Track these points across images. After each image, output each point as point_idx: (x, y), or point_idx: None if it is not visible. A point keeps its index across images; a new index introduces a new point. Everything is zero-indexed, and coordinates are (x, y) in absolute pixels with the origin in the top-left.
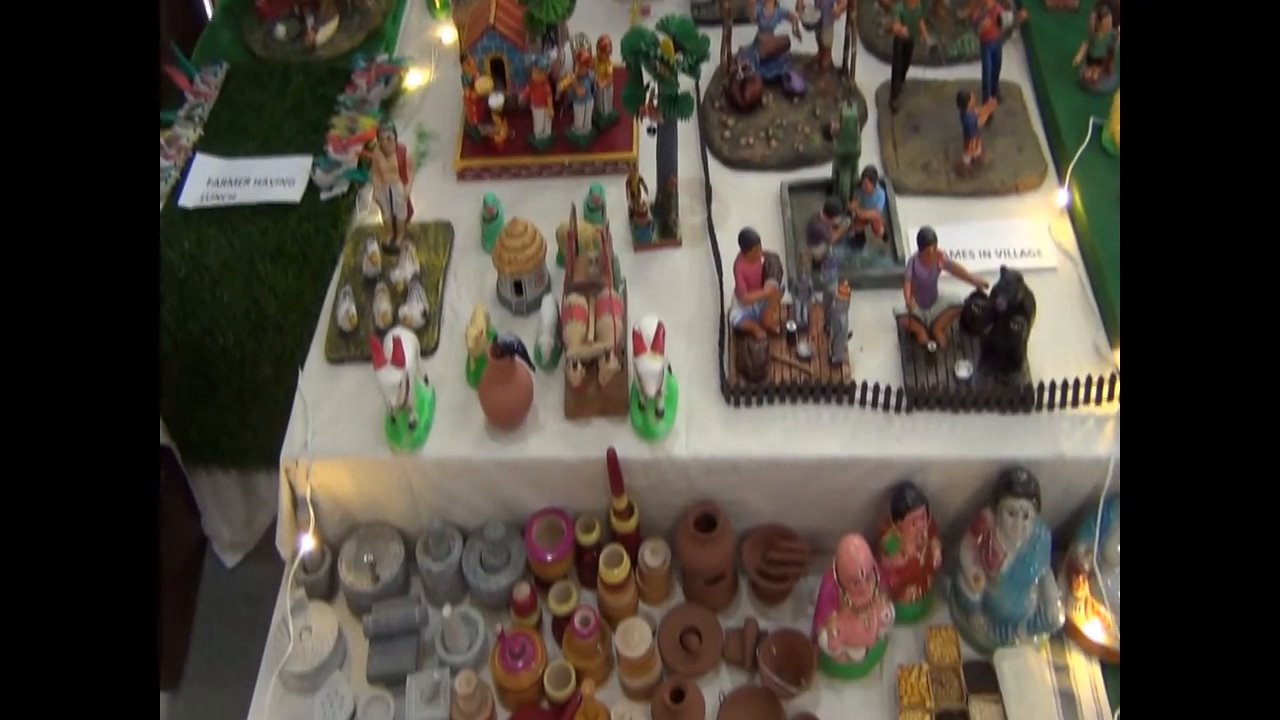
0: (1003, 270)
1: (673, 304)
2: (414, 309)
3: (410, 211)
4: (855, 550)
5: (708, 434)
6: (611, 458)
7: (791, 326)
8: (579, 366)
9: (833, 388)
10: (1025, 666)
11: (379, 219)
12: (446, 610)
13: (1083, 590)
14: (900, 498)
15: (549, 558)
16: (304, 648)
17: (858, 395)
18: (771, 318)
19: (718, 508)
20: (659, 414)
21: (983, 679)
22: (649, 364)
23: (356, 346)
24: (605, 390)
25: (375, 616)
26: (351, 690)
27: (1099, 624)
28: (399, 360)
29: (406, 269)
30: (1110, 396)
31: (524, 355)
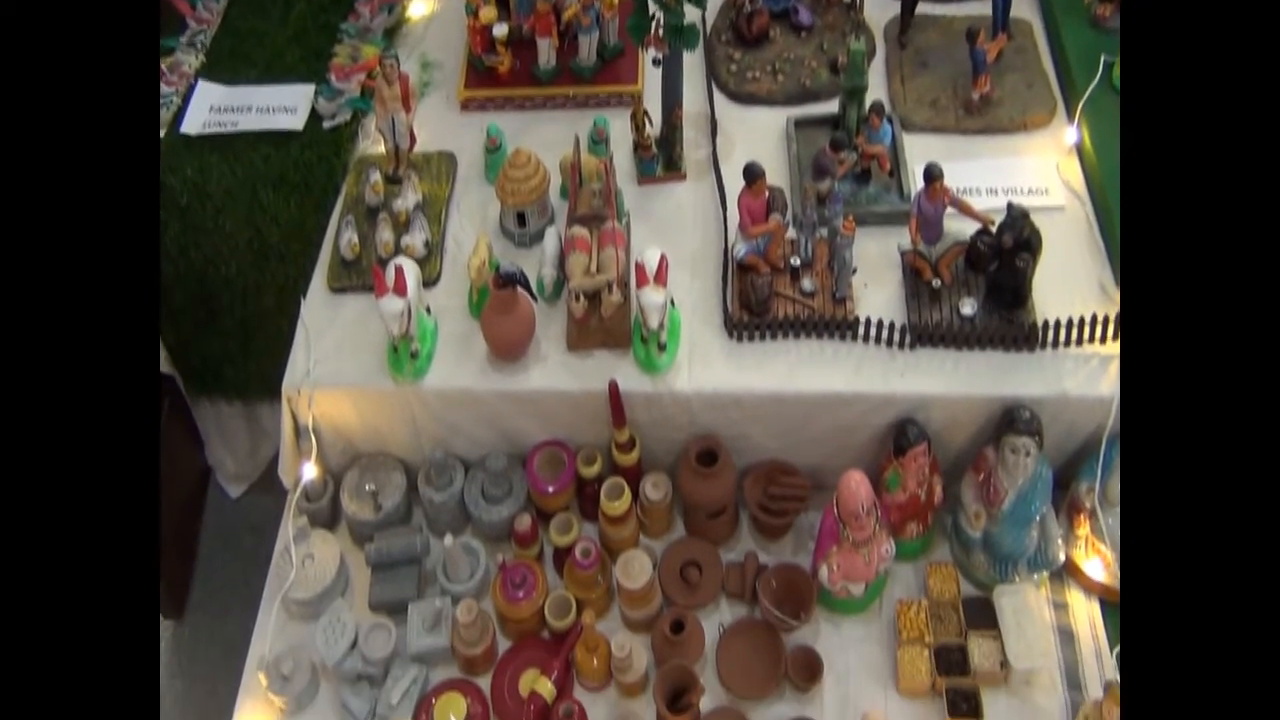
0: (1009, 207)
1: (676, 238)
2: (416, 239)
3: (413, 141)
4: (856, 485)
5: (710, 368)
6: (613, 390)
7: (795, 262)
8: (581, 298)
9: (836, 323)
10: (1024, 603)
11: (381, 148)
12: (448, 540)
13: (1083, 529)
14: (902, 434)
15: (550, 489)
16: (306, 575)
17: (861, 331)
18: (775, 253)
19: (719, 442)
20: (661, 347)
21: (982, 615)
22: (651, 296)
23: (359, 276)
24: (607, 323)
25: (377, 545)
26: (353, 618)
27: (1099, 562)
28: (401, 289)
29: (409, 199)
30: (1115, 336)
31: (526, 286)
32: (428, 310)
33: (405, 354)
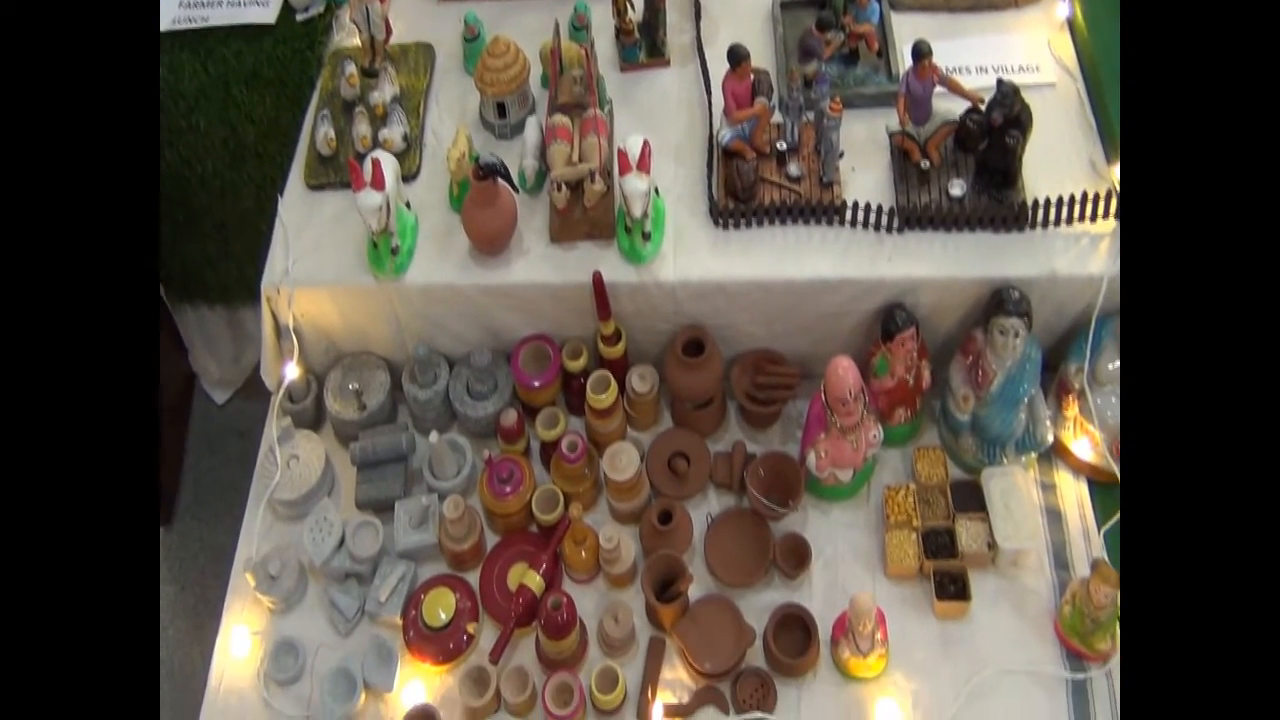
0: (999, 83)
1: (660, 125)
2: (394, 132)
3: (389, 32)
4: (844, 371)
5: (696, 257)
6: (597, 281)
7: (782, 146)
8: (564, 188)
9: (823, 208)
10: (1012, 485)
11: (357, 41)
12: (433, 436)
13: (1072, 409)
14: (890, 319)
15: (536, 384)
16: (292, 476)
17: (848, 215)
18: (761, 137)
19: (706, 332)
20: (646, 237)
21: (970, 498)
22: (634, 183)
23: (336, 172)
24: (591, 213)
25: (362, 444)
26: (340, 517)
27: (1087, 442)
28: (378, 182)
29: (386, 91)
30: (1106, 214)
31: (507, 177)
32: (407, 205)
33: (385, 250)
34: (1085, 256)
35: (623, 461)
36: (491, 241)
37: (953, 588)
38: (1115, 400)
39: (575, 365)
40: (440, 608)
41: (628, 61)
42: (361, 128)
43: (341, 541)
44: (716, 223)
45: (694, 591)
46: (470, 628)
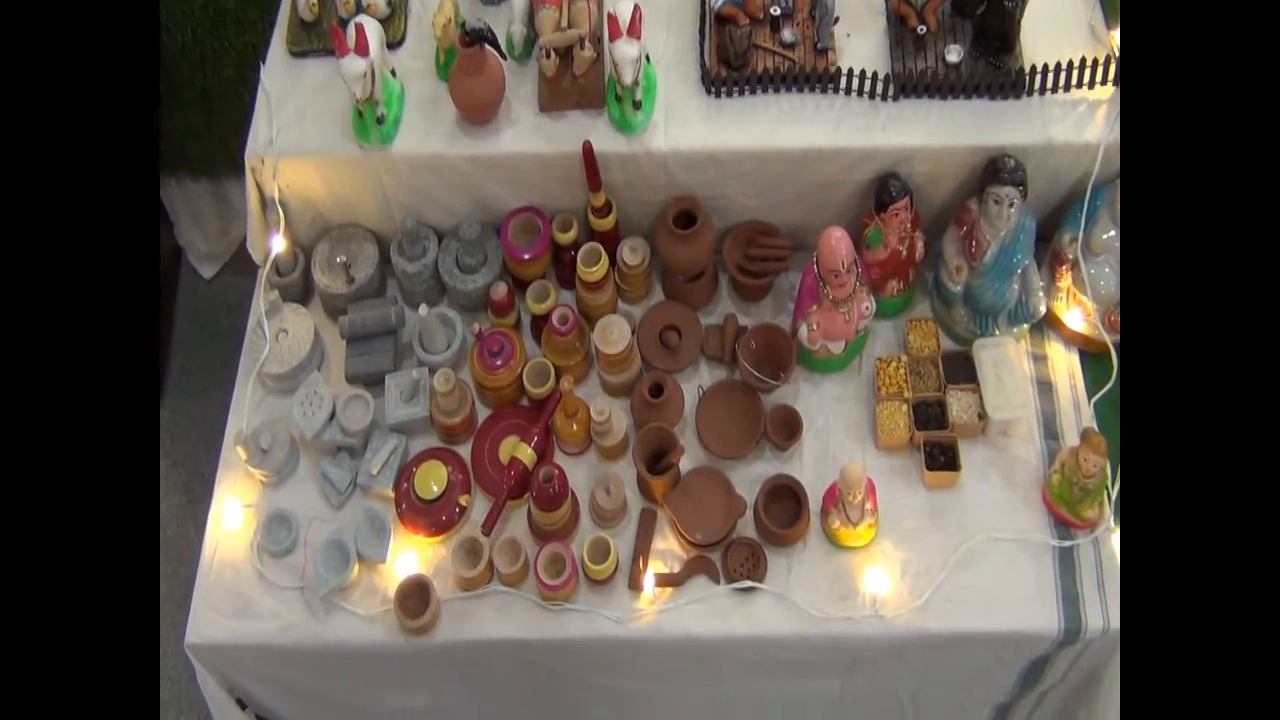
0: None
1: None
2: None
3: None
4: (836, 242)
5: (688, 126)
6: (587, 151)
7: (775, 11)
8: (552, 55)
9: (818, 75)
10: (1003, 355)
11: None
12: (423, 310)
13: (1065, 280)
14: (884, 189)
15: (526, 256)
16: (281, 349)
17: (843, 83)
18: (755, 2)
19: (698, 203)
20: (636, 105)
21: (961, 369)
22: (625, 49)
23: (320, 38)
24: (580, 80)
25: (351, 318)
26: (330, 390)
27: (1079, 313)
28: (362, 48)
29: None
30: (1104, 80)
31: (494, 44)
32: (393, 73)
33: (371, 119)
34: (1082, 124)
35: (614, 334)
36: (479, 110)
37: (942, 458)
38: (1109, 270)
39: (565, 238)
40: (432, 480)
41: None
42: None
43: (332, 415)
44: (709, 91)
45: (685, 463)
46: (462, 500)
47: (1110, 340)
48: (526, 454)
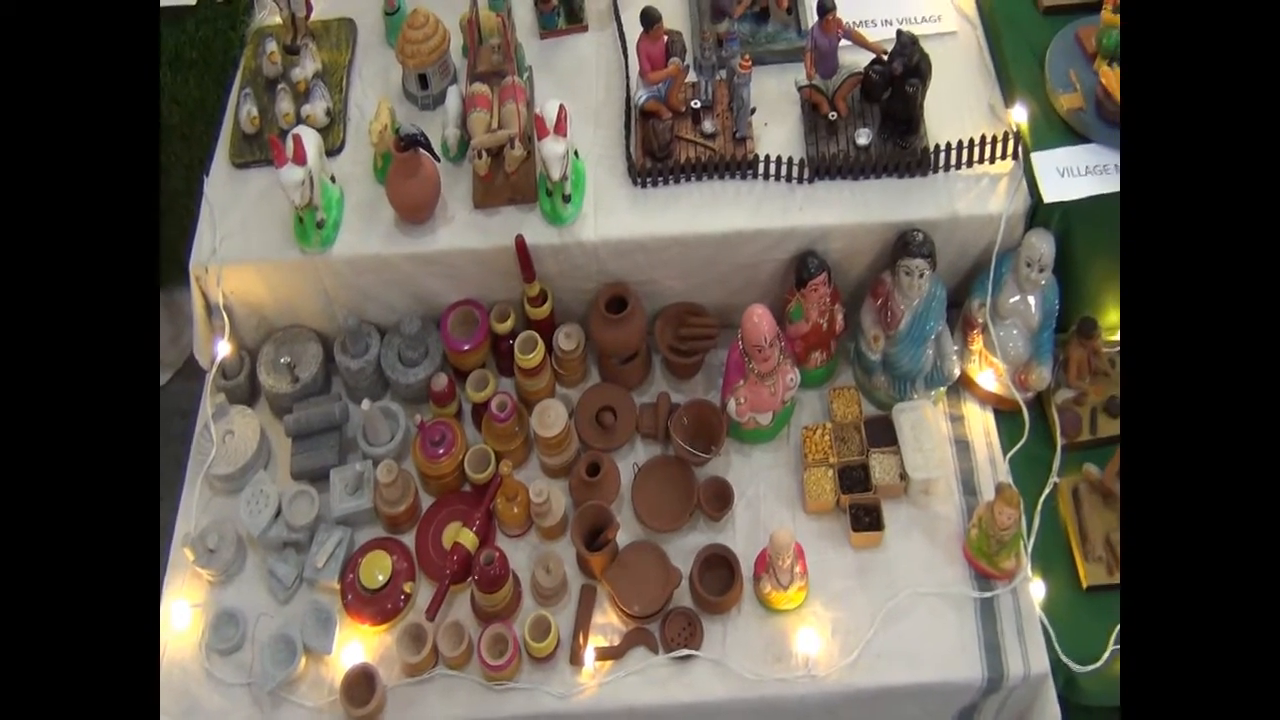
0: (899, 33)
1: (580, 90)
2: (317, 108)
3: (310, 8)
4: (758, 319)
5: (616, 216)
6: (520, 244)
7: (696, 104)
8: (484, 155)
9: (737, 163)
10: (922, 418)
11: (278, 18)
12: (366, 404)
13: (977, 344)
14: (803, 266)
15: (465, 347)
16: (228, 450)
17: (761, 169)
18: (676, 97)
19: (628, 288)
20: (566, 198)
21: (882, 433)
22: (552, 146)
23: (261, 149)
24: (512, 178)
25: (296, 416)
26: (276, 488)
27: (991, 374)
28: (300, 158)
29: (308, 67)
30: (1004, 155)
31: (428, 147)
32: (332, 179)
33: (311, 224)
34: (985, 196)
35: (551, 418)
36: (416, 211)
37: (867, 519)
38: (1017, 332)
39: (503, 327)
40: (377, 569)
41: (546, 28)
42: (284, 105)
43: (278, 512)
44: (635, 182)
45: (623, 538)
46: (407, 587)
47: (1021, 398)
48: (469, 538)
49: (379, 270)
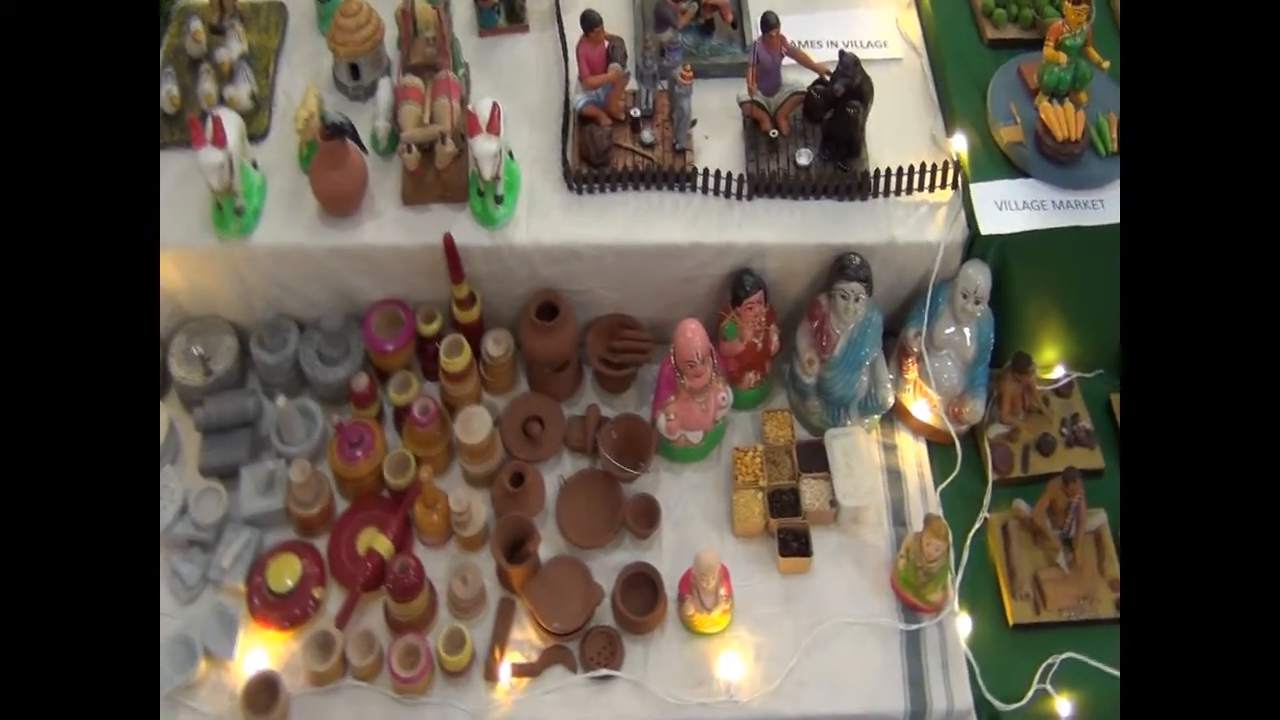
0: (841, 54)
1: (518, 90)
2: (241, 90)
3: None
4: (691, 334)
5: (549, 221)
6: (449, 244)
7: (636, 113)
8: (414, 150)
9: (675, 174)
10: (854, 445)
11: None
12: (280, 401)
13: (912, 373)
14: (739, 284)
15: (389, 348)
16: None
17: (699, 182)
18: (616, 104)
19: (560, 296)
20: (498, 200)
21: (814, 458)
22: (484, 145)
23: (180, 130)
24: (443, 175)
25: (207, 409)
26: (183, 484)
27: (925, 404)
28: (219, 140)
29: (233, 48)
30: (944, 184)
31: (355, 137)
32: (254, 165)
33: (230, 210)
34: (923, 224)
35: (475, 425)
36: (340, 203)
37: (795, 544)
38: (951, 364)
39: (429, 329)
40: (286, 574)
41: (486, 26)
42: (207, 85)
43: (184, 509)
44: (570, 187)
45: (545, 552)
46: (317, 593)
47: (954, 430)
48: (384, 545)
49: (300, 262)
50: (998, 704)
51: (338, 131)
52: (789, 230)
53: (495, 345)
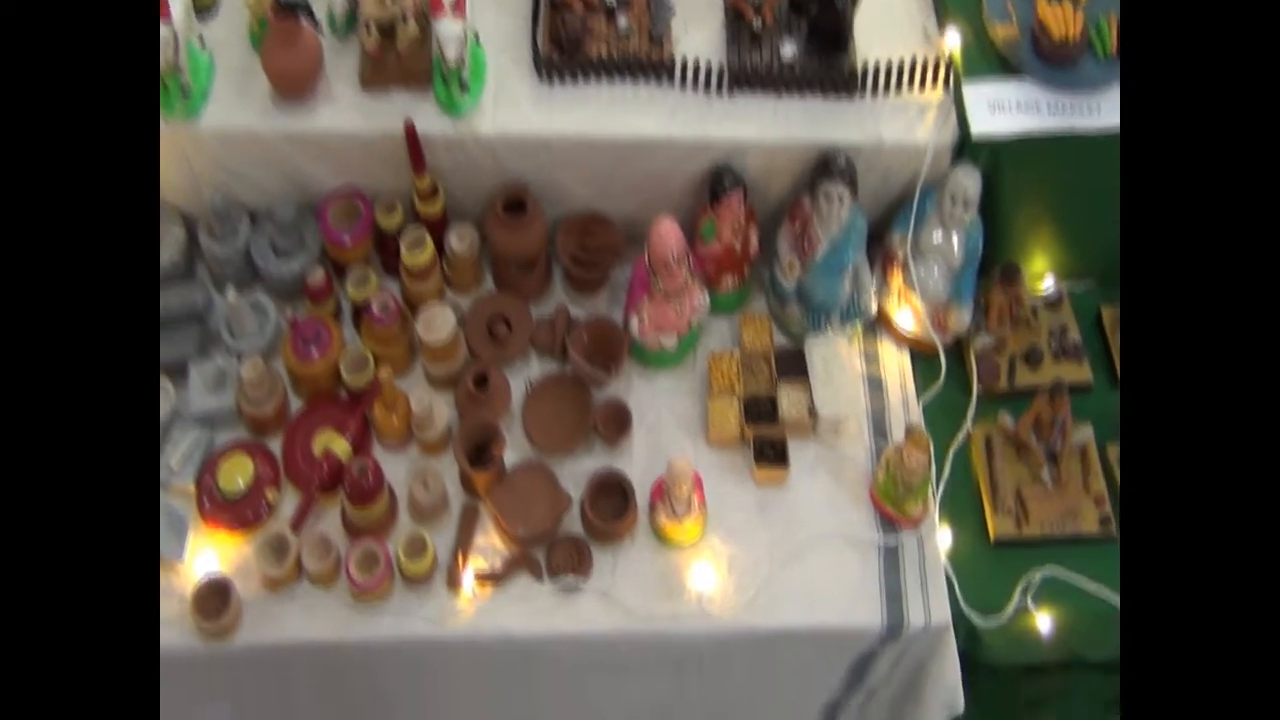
0: None
1: None
2: None
3: None
4: (666, 232)
5: (518, 110)
6: (410, 131)
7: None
8: (373, 30)
9: (652, 65)
10: (835, 353)
11: None
12: (231, 294)
13: (896, 280)
14: (718, 181)
15: (346, 240)
16: None
17: (678, 74)
18: None
19: (528, 190)
20: (463, 87)
21: (793, 366)
22: (448, 27)
23: None
24: (404, 59)
25: None
26: None
27: (909, 313)
28: (164, 13)
29: None
30: (935, 82)
31: (310, 15)
32: (201, 41)
33: (176, 90)
34: (912, 125)
35: (437, 323)
36: (294, 85)
37: (772, 454)
38: (937, 272)
39: (389, 222)
40: (238, 474)
41: None
42: None
43: None
44: (540, 76)
45: (510, 457)
46: (270, 495)
47: (939, 340)
48: (342, 446)
49: (251, 147)
50: (976, 619)
51: (291, 8)
52: (771, 127)
53: (459, 240)
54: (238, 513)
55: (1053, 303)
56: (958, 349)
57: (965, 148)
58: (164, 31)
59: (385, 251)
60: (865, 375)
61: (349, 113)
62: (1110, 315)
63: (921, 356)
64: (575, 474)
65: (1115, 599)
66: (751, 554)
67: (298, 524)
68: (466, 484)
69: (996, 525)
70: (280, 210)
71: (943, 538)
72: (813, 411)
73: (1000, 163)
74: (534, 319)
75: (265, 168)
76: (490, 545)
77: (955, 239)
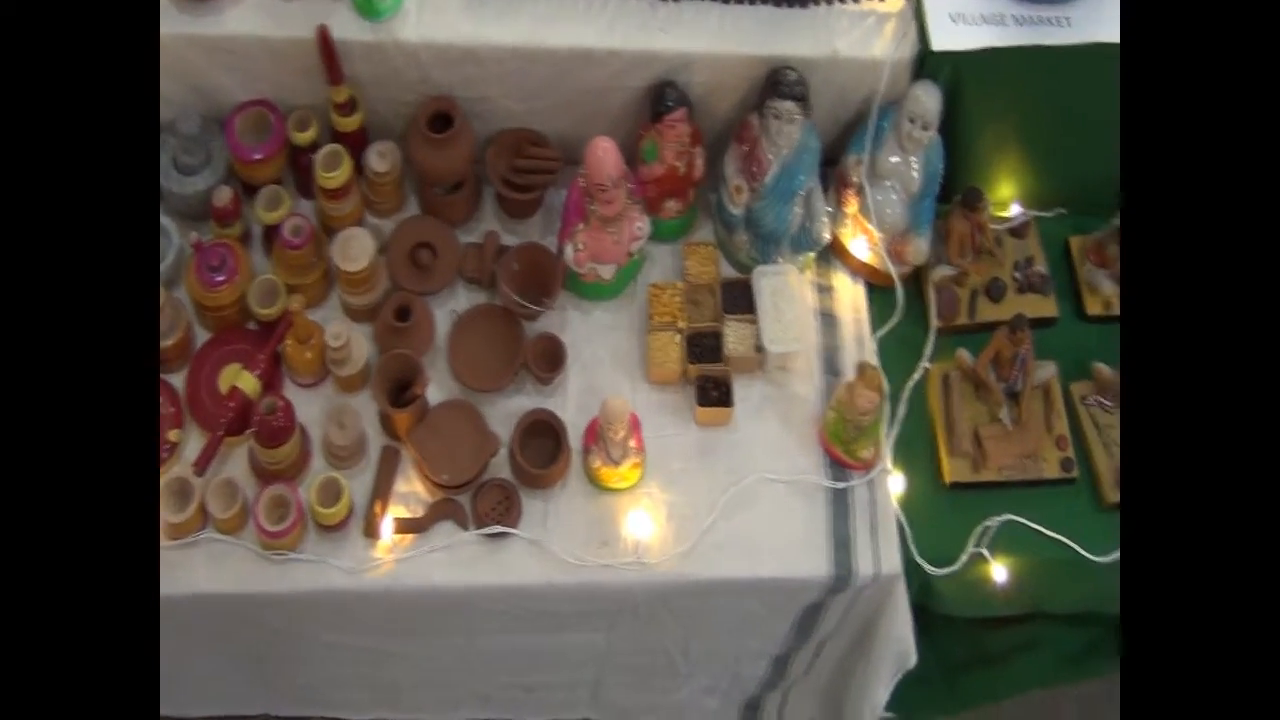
0: None
1: None
2: None
3: None
4: (604, 152)
5: (444, 16)
6: (323, 38)
7: None
8: None
9: None
10: (785, 285)
11: None
12: None
13: (851, 206)
14: (660, 98)
15: (256, 156)
16: None
17: None
18: None
19: (455, 105)
20: None
21: (740, 298)
22: None
23: None
24: None
25: None
26: None
27: (865, 242)
28: None
29: None
30: None
31: None
32: None
33: None
34: (869, 37)
35: (355, 249)
36: None
37: (715, 393)
38: (895, 197)
39: (303, 137)
40: None
41: None
42: None
43: None
44: None
45: (434, 395)
46: (172, 435)
47: (896, 271)
48: (250, 383)
49: None
50: (928, 568)
51: None
52: (718, 38)
53: (380, 159)
54: None
55: (1018, 231)
56: (916, 280)
57: (925, 63)
58: None
59: (299, 170)
60: (817, 309)
61: (256, 15)
62: (1079, 245)
63: (877, 289)
64: (504, 414)
65: (1077, 547)
66: (692, 501)
67: (202, 466)
68: (386, 425)
69: (952, 469)
70: (183, 123)
71: (894, 482)
72: (760, 348)
73: (963, 79)
74: (461, 245)
75: (165, 75)
76: (411, 491)
77: (914, 162)
